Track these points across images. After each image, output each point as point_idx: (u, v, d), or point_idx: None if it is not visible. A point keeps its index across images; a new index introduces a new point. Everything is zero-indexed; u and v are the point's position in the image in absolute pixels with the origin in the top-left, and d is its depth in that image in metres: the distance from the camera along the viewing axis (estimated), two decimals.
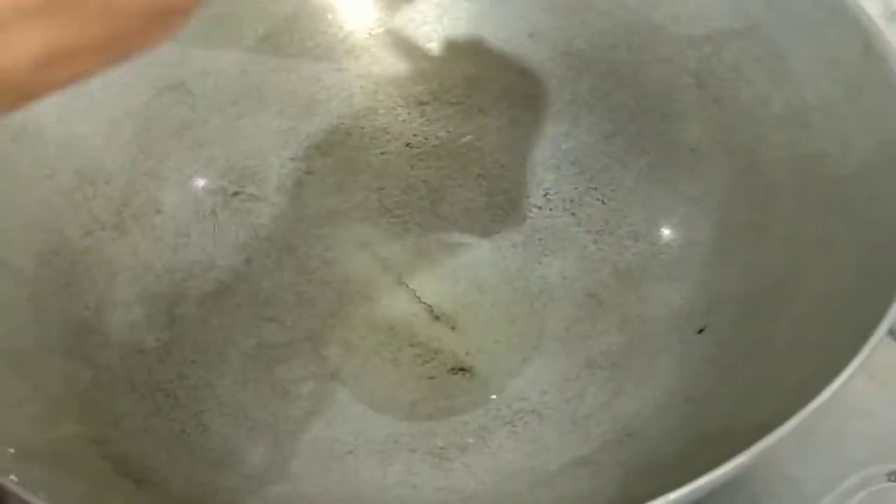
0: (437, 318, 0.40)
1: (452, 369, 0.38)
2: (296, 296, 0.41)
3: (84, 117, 0.40)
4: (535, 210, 0.43)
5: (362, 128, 0.45)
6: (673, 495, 0.23)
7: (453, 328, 0.39)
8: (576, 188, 0.43)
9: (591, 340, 0.38)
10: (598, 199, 0.42)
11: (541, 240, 0.42)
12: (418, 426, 0.36)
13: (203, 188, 0.42)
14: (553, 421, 0.35)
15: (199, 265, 0.40)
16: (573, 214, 0.42)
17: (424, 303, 0.40)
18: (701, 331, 0.34)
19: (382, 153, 0.45)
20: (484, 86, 0.45)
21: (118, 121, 0.40)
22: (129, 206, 0.40)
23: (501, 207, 0.44)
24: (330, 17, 0.45)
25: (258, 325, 0.39)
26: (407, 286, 0.41)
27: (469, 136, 0.45)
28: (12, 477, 0.25)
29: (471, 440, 0.35)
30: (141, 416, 0.33)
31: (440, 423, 0.36)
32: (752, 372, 0.31)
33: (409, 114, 0.45)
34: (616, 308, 0.38)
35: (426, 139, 0.45)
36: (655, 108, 0.41)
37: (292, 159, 0.44)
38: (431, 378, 0.37)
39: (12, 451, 0.27)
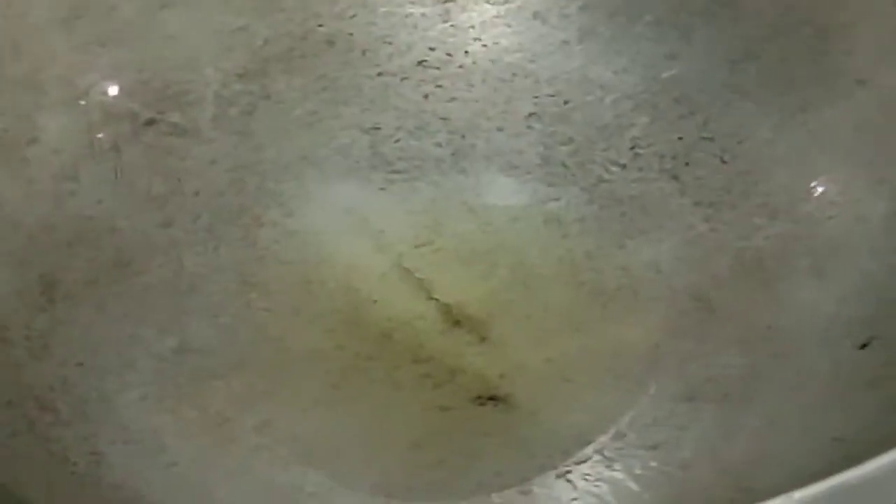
0: (457, 322, 0.44)
1: (479, 398, 0.42)
2: (239, 279, 0.45)
3: None
4: (615, 170, 0.47)
5: (350, 33, 0.49)
6: None
7: (482, 338, 0.43)
8: (681, 139, 0.47)
9: (694, 362, 0.41)
10: (715, 156, 0.46)
11: (624, 214, 0.46)
12: (424, 477, 0.40)
13: (102, 110, 0.46)
14: (632, 475, 0.39)
15: (93, 225, 0.44)
16: (675, 178, 0.46)
17: (438, 300, 0.44)
18: (864, 346, 0.39)
19: (380, 73, 0.49)
20: None
21: None
22: None
23: (563, 164, 0.48)
24: None
25: (180, 319, 0.43)
26: (412, 274, 0.45)
27: (518, 55, 0.50)
28: None
29: (504, 502, 0.40)
30: (8, 430, 0.38)
31: (458, 476, 0.40)
32: None
33: (423, 14, 0.50)
34: (736, 316, 0.42)
35: (450, 55, 0.50)
36: (809, 17, 0.46)
37: (240, 75, 0.48)
38: (446, 409, 0.41)
39: None
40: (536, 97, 0.49)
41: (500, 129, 0.49)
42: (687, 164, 0.47)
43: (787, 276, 0.43)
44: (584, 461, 0.40)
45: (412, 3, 0.50)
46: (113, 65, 0.47)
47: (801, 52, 0.46)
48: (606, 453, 0.40)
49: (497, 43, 0.50)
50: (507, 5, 0.50)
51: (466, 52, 0.50)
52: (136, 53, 0.47)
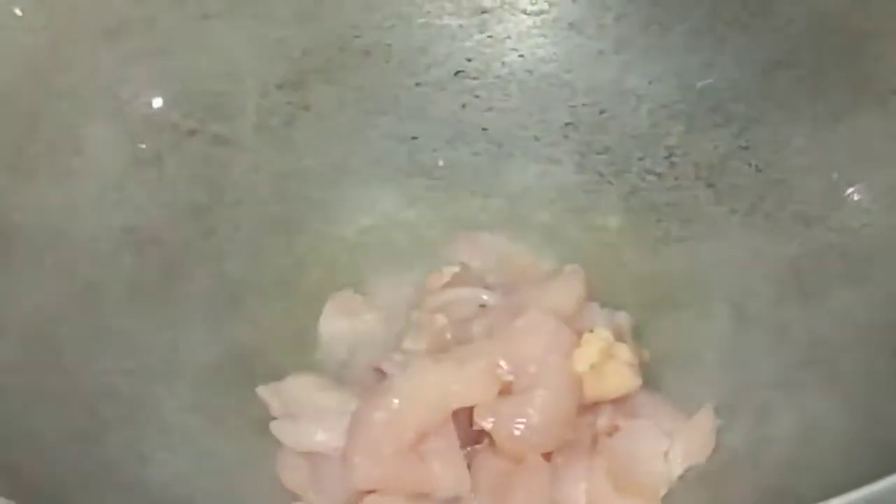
0: None
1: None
2: (279, 286, 0.46)
3: None
4: (651, 178, 0.48)
5: (388, 44, 0.50)
6: None
7: None
8: (716, 147, 0.47)
9: (729, 371, 0.42)
10: (750, 164, 0.47)
11: (660, 222, 0.47)
12: None
13: (145, 121, 0.47)
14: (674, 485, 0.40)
15: (137, 234, 0.45)
16: (711, 186, 0.47)
17: None
18: None
19: (418, 84, 0.50)
20: None
21: (25, 6, 0.45)
22: (34, 139, 0.45)
23: (600, 172, 0.49)
24: None
25: (222, 327, 0.44)
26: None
27: (554, 65, 0.50)
28: None
29: None
30: (55, 435, 0.38)
31: None
32: None
33: (460, 25, 0.50)
34: (772, 324, 0.43)
35: (487, 66, 0.50)
36: (842, 25, 0.46)
37: (280, 86, 0.49)
38: None
39: None
40: (573, 107, 0.50)
41: (536, 139, 0.49)
42: (722, 172, 0.47)
43: (822, 283, 0.43)
44: None
45: (449, 14, 0.50)
46: (155, 76, 0.48)
47: (834, 61, 0.46)
48: None
49: (533, 53, 0.50)
50: (543, 16, 0.50)
51: (503, 62, 0.50)
52: (178, 65, 0.48)
